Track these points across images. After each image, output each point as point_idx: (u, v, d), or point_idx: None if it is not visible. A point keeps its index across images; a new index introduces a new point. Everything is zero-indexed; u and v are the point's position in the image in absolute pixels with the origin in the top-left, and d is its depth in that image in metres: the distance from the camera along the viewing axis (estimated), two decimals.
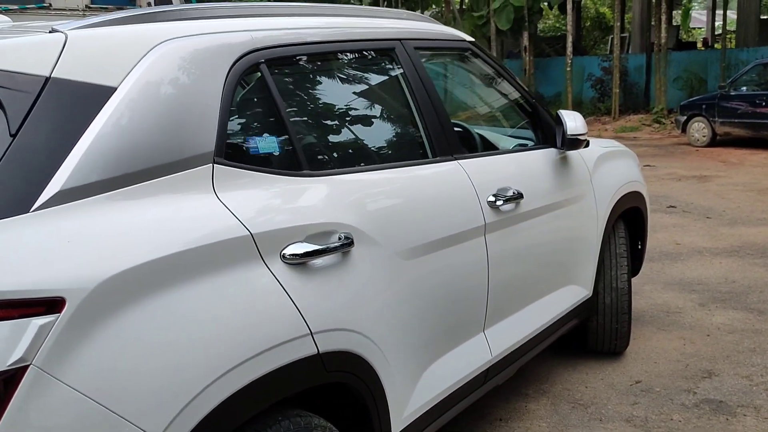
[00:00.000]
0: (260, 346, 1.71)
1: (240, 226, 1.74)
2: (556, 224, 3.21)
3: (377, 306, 2.13)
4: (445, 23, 22.89)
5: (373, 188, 2.23)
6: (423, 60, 2.72)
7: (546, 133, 3.31)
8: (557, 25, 33.21)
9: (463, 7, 24.50)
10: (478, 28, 21.63)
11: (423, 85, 2.61)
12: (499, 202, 2.72)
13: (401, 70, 2.57)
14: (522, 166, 3.07)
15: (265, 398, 1.75)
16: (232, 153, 1.86)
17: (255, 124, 2.01)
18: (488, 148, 3.53)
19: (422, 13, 23.80)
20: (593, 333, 3.89)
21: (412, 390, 2.32)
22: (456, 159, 2.65)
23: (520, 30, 20.77)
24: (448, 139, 2.65)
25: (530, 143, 3.36)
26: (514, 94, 3.31)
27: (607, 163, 3.80)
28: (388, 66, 2.59)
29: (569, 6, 19.36)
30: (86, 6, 14.97)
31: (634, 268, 4.39)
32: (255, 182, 1.87)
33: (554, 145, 3.27)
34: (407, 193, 2.35)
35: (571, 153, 3.41)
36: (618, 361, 3.96)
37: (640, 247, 4.32)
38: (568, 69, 19.52)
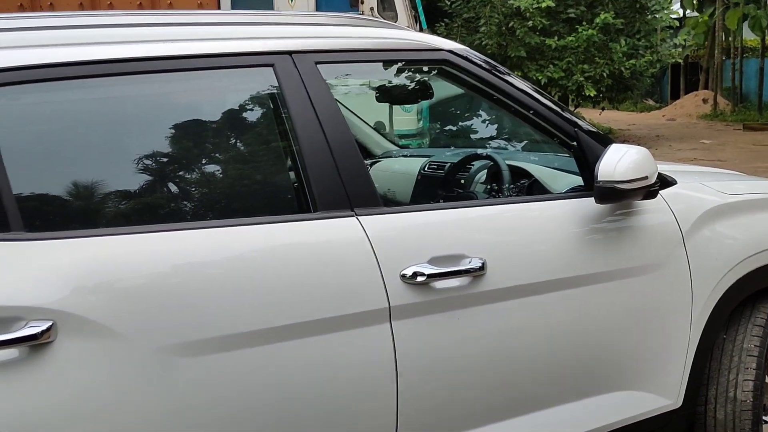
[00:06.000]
0: None
1: None
2: (580, 306, 2.25)
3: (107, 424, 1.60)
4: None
5: (141, 256, 1.68)
6: (337, 77, 2.05)
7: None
8: None
9: None
10: None
11: (315, 114, 1.95)
12: (421, 278, 1.95)
13: (276, 93, 1.95)
14: (504, 224, 2.19)
15: None
16: None
17: None
18: (529, 190, 2.66)
19: None
20: None
21: None
22: (357, 215, 1.95)
23: None
24: (348, 189, 1.96)
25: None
26: (538, 119, 2.37)
27: (732, 219, 2.61)
28: (247, 88, 1.99)
29: None
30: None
31: None
32: None
33: None
34: (209, 262, 1.75)
35: (645, 204, 2.38)
36: None
37: None
38: None
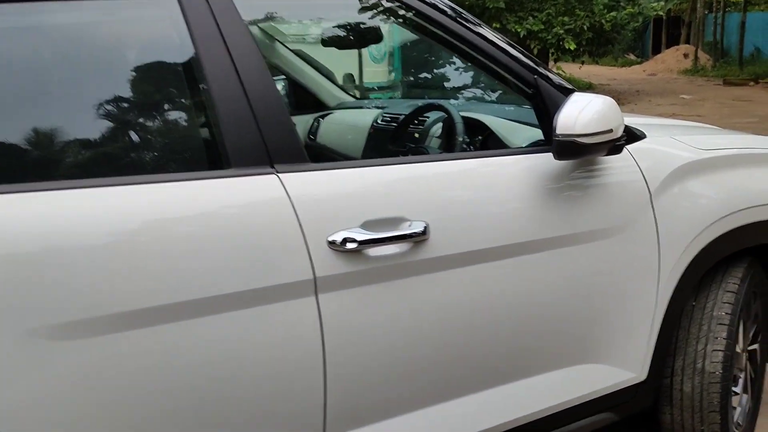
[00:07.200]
0: None
1: None
2: (535, 274, 2.03)
3: None
4: None
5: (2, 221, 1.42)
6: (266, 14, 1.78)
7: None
8: None
9: None
10: None
11: (228, 53, 1.68)
12: (352, 245, 1.71)
13: (180, 28, 1.67)
14: (451, 183, 1.95)
15: None
16: None
17: None
18: (485, 144, 2.42)
19: None
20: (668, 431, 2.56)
21: None
22: (278, 172, 1.70)
23: None
24: (267, 142, 1.70)
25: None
26: (492, 63, 2.11)
27: (705, 176, 2.39)
28: (144, 20, 1.71)
29: None
30: None
31: None
32: None
33: None
34: (96, 226, 1.48)
35: (610, 160, 2.15)
36: None
37: None
38: None
